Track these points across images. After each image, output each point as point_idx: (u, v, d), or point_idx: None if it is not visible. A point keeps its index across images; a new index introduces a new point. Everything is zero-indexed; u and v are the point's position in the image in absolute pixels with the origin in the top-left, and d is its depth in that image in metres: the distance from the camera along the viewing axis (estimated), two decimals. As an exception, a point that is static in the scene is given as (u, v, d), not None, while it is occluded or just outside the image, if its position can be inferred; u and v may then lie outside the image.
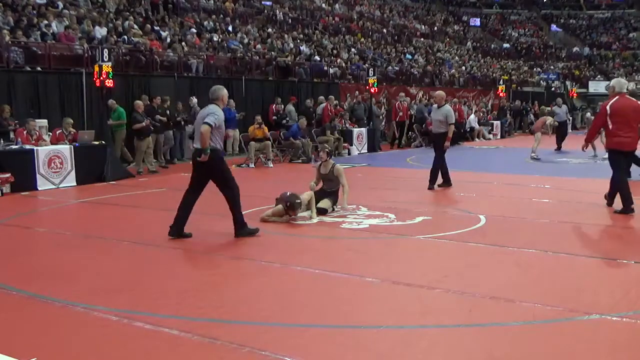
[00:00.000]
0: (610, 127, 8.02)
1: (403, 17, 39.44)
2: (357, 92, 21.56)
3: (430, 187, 10.53)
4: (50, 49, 14.36)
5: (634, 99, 8.37)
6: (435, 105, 10.86)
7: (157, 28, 18.55)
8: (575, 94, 36.22)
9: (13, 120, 11.76)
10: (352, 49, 27.59)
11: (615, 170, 8.19)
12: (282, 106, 18.42)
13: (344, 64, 24.43)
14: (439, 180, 10.71)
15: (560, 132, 18.91)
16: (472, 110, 25.79)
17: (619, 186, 8.12)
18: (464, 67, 34.15)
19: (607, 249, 6.22)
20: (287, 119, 17.81)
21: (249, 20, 25.02)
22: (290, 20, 27.68)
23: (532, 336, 4.03)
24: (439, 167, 10.56)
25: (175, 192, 10.71)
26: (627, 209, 7.94)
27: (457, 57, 36.48)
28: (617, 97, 8.18)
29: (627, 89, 8.50)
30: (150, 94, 14.88)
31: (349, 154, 17.62)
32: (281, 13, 27.61)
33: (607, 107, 8.12)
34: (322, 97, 19.56)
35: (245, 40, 21.70)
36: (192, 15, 21.90)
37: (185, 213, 6.90)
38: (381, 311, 4.51)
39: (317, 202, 8.26)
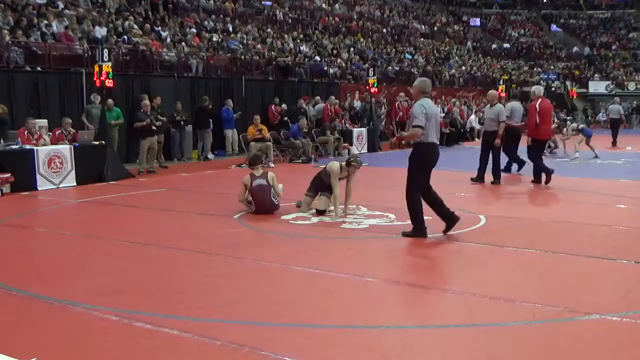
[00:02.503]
0: (537, 121, 10.53)
1: (403, 17, 39.41)
2: (356, 92, 21.57)
3: (477, 180, 11.21)
4: (50, 49, 14.35)
5: (548, 99, 11.34)
6: (488, 105, 11.48)
7: (157, 28, 18.55)
8: (575, 94, 36.20)
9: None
10: (352, 49, 27.58)
11: (536, 156, 10.89)
12: (285, 106, 18.47)
13: (344, 64, 24.42)
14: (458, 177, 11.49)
15: None
16: (472, 110, 25.78)
17: (542, 166, 10.83)
18: (464, 67, 34.13)
19: (607, 249, 6.21)
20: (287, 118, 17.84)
21: (249, 20, 25.00)
22: (290, 20, 27.66)
23: (532, 336, 4.03)
24: (497, 162, 11.24)
25: (175, 192, 10.73)
26: (548, 176, 10.76)
27: (457, 57, 36.47)
28: (540, 99, 10.85)
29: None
30: (150, 94, 14.90)
31: (349, 154, 17.61)
32: (281, 13, 27.59)
33: (537, 106, 10.63)
34: (318, 97, 19.61)
35: (245, 40, 21.70)
36: (192, 15, 21.89)
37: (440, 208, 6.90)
38: (381, 311, 4.51)
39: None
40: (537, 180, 10.95)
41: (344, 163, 8.27)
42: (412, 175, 6.81)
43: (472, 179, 11.27)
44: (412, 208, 6.82)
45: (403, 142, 6.79)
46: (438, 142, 6.78)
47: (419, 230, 6.78)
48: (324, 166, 8.62)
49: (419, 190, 6.80)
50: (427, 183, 6.86)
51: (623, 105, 35.81)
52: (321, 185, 8.34)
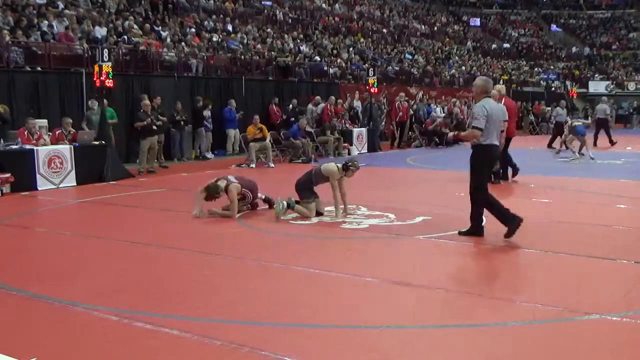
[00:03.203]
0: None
1: (403, 17, 39.41)
2: (356, 92, 21.57)
3: (496, 182, 11.15)
4: (50, 49, 14.35)
5: (510, 98, 11.91)
6: None
7: (157, 28, 18.55)
8: (575, 94, 36.23)
9: None
10: (352, 49, 27.58)
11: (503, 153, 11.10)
12: (291, 106, 18.51)
13: (344, 64, 24.42)
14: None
15: (558, 131, 19.07)
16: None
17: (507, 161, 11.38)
18: (463, 67, 34.13)
19: (607, 249, 6.21)
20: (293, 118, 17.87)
21: (249, 20, 25.00)
22: (290, 20, 27.66)
23: (532, 336, 4.03)
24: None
25: (175, 192, 10.73)
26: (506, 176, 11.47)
27: (457, 57, 36.47)
28: (504, 98, 11.30)
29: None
30: (150, 94, 14.90)
31: (349, 154, 17.61)
32: (281, 13, 27.59)
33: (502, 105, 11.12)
34: (318, 97, 19.65)
35: (245, 40, 21.70)
36: (192, 15, 21.89)
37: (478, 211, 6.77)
38: (381, 311, 4.51)
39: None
40: (504, 177, 11.52)
41: (339, 165, 8.09)
42: (476, 177, 6.64)
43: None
44: (491, 208, 6.64)
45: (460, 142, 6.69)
46: (498, 143, 6.65)
47: (512, 224, 6.54)
48: (312, 168, 8.34)
49: (486, 190, 6.66)
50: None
51: (624, 106, 36.01)
52: (312, 187, 8.15)
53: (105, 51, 12.29)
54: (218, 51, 19.51)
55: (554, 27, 48.47)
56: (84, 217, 8.99)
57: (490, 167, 6.81)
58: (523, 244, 6.43)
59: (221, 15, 23.49)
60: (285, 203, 8.11)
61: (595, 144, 19.67)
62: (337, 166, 8.08)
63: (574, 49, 45.49)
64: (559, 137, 18.04)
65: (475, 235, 6.71)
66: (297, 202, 8.18)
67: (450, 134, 10.62)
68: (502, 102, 11.24)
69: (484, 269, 5.67)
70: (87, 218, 8.80)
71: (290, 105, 18.58)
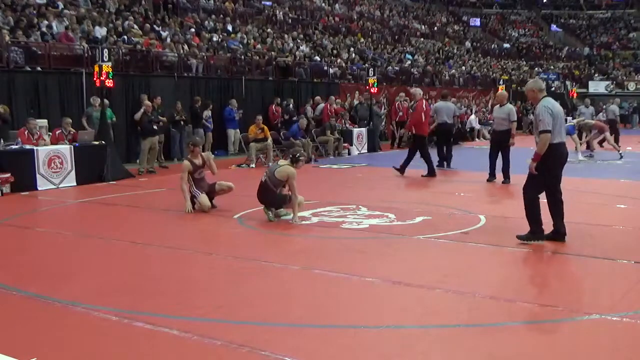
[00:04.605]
0: (424, 119, 12.41)
1: (403, 17, 39.42)
2: (357, 92, 21.57)
3: (491, 180, 11.33)
4: (50, 49, 14.34)
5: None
6: (497, 105, 11.62)
7: (157, 28, 18.54)
8: (575, 94, 36.26)
9: None
10: (352, 49, 27.58)
11: (425, 147, 12.48)
12: (289, 106, 18.52)
13: (344, 64, 24.42)
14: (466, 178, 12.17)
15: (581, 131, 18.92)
16: (472, 110, 25.76)
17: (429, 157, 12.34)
18: (463, 67, 34.13)
19: (607, 249, 6.21)
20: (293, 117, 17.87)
21: (249, 20, 25.00)
22: (290, 20, 27.66)
23: (532, 336, 4.04)
24: (507, 161, 11.22)
25: (175, 192, 10.71)
26: (433, 172, 12.31)
27: (457, 57, 36.48)
28: (423, 100, 12.86)
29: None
30: (150, 94, 14.90)
31: (349, 154, 17.62)
32: (281, 13, 27.59)
33: (424, 106, 12.57)
34: (318, 97, 19.64)
35: (245, 40, 21.70)
36: (192, 15, 21.88)
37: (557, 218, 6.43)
38: (381, 311, 4.51)
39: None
40: (399, 169, 12.43)
41: (288, 162, 7.87)
42: (534, 175, 6.39)
43: (487, 180, 11.33)
44: (528, 209, 6.46)
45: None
46: (565, 141, 6.45)
47: (535, 234, 6.40)
48: (263, 180, 7.91)
49: (536, 191, 6.44)
50: (558, 186, 6.44)
51: (624, 106, 36.00)
52: (279, 194, 7.90)
53: (105, 51, 12.28)
54: (218, 51, 19.50)
55: (554, 27, 48.48)
56: (84, 217, 8.99)
57: (561, 166, 6.42)
58: (523, 244, 6.42)
59: (221, 15, 23.49)
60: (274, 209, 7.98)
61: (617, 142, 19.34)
62: (289, 164, 7.87)
63: (574, 49, 45.51)
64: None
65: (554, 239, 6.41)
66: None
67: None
68: (424, 103, 12.58)
69: (484, 269, 5.67)
70: (87, 218, 8.80)
71: (288, 105, 18.58)
